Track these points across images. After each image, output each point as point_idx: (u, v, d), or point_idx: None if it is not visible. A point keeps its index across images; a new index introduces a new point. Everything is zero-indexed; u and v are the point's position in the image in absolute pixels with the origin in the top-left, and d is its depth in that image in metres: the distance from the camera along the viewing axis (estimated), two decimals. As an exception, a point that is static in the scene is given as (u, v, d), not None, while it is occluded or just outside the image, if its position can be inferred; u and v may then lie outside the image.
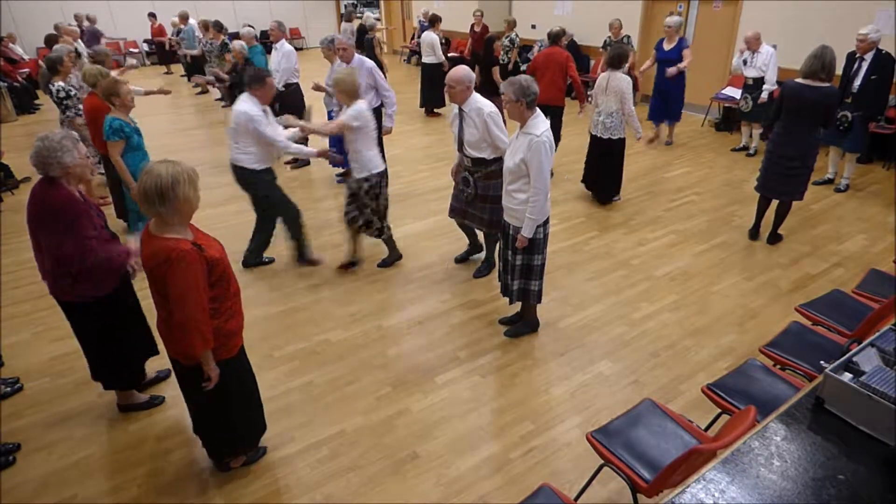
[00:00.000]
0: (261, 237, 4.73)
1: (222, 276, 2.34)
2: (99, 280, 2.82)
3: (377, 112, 5.46)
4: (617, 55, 5.36)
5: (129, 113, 4.36)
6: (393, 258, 4.80)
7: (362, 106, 4.09)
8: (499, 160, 3.98)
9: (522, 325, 3.87)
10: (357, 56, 5.27)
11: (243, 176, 4.31)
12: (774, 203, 4.99)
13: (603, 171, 5.81)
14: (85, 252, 2.68)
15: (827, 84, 4.35)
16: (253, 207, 4.59)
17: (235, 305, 2.47)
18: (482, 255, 4.72)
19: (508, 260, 3.59)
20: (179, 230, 2.25)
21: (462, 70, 3.85)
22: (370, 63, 5.32)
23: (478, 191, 4.10)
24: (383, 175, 4.35)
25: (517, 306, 3.91)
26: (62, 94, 5.60)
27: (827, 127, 4.60)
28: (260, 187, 4.36)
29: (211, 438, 2.74)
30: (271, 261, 4.89)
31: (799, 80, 4.45)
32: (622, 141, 5.59)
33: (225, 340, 2.42)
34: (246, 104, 4.08)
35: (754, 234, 5.15)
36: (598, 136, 5.63)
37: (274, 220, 4.64)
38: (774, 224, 5.02)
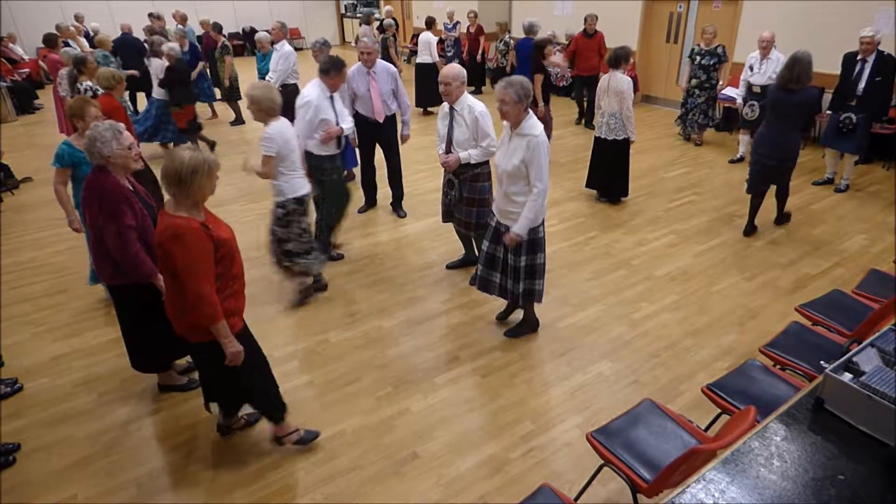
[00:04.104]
0: (326, 228, 4.70)
1: (226, 255, 2.44)
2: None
3: (392, 119, 5.31)
4: (616, 56, 5.35)
5: None
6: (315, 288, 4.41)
7: (273, 129, 3.65)
8: (484, 163, 3.98)
9: (522, 325, 3.87)
10: (380, 61, 5.10)
11: (309, 161, 4.38)
12: (770, 197, 5.10)
13: (610, 173, 5.81)
14: (124, 241, 2.82)
15: (809, 87, 4.51)
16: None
17: (237, 286, 2.54)
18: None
19: (509, 263, 3.53)
20: (191, 211, 2.36)
21: (455, 68, 3.87)
22: (394, 69, 5.18)
23: (463, 193, 4.08)
24: (301, 202, 3.92)
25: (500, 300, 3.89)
26: (90, 94, 5.65)
27: (805, 130, 4.73)
28: (324, 173, 4.42)
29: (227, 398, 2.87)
30: (340, 256, 4.92)
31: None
32: (626, 141, 5.58)
33: (225, 318, 2.46)
34: (312, 89, 4.25)
35: (750, 230, 5.19)
36: (604, 137, 5.62)
37: (329, 208, 4.59)
38: (778, 207, 5.13)
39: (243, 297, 2.62)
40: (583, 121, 8.99)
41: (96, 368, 3.64)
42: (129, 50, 9.28)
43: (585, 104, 8.89)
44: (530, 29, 7.52)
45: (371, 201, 5.85)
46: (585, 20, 8.39)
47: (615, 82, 5.33)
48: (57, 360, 3.73)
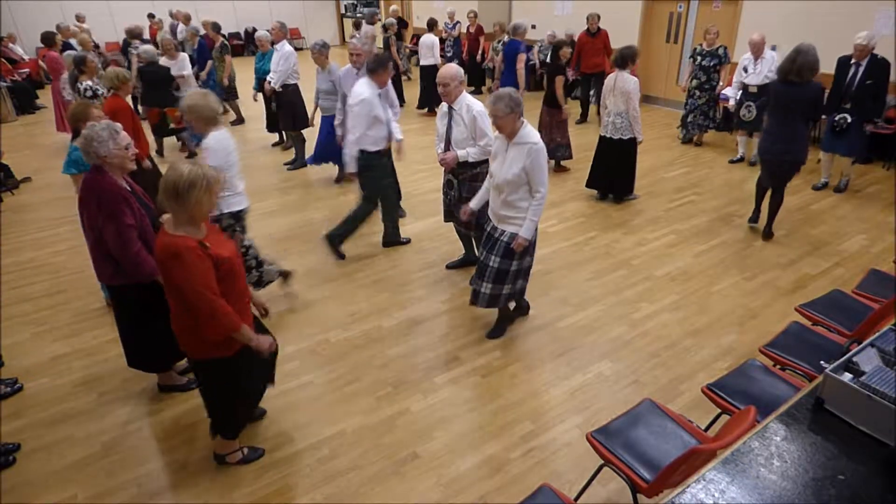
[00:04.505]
0: (355, 221, 4.81)
1: (228, 273, 2.40)
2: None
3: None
4: (623, 56, 5.37)
5: None
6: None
7: (213, 140, 3.46)
8: (483, 163, 3.99)
9: (501, 322, 3.86)
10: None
11: (361, 159, 4.47)
12: (767, 197, 5.08)
13: (616, 172, 5.82)
14: (125, 241, 2.82)
15: (813, 81, 4.45)
16: (361, 189, 4.73)
17: (240, 305, 2.51)
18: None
19: (492, 266, 3.47)
20: (190, 230, 2.32)
21: (452, 68, 3.87)
22: None
23: (462, 193, 4.09)
24: (238, 217, 3.79)
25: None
26: (89, 94, 5.68)
27: (815, 121, 4.67)
28: (373, 170, 4.54)
29: (215, 421, 2.85)
30: (342, 257, 4.97)
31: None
32: (633, 140, 5.60)
33: (225, 338, 2.45)
34: (364, 87, 4.32)
35: (755, 219, 5.24)
36: (609, 136, 5.64)
37: (373, 204, 4.74)
38: (768, 219, 5.09)
39: (250, 315, 2.62)
40: (586, 120, 9.06)
41: (96, 368, 3.64)
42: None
43: (592, 101, 9.04)
44: (515, 30, 7.49)
45: None
46: (587, 19, 8.47)
47: (621, 82, 5.35)
48: (57, 360, 3.73)
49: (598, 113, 9.01)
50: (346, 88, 5.13)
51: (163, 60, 7.39)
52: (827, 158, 6.13)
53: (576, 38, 8.81)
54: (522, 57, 7.23)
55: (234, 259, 2.44)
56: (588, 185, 6.08)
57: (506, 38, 9.89)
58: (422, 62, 9.48)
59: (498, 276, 3.49)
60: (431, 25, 9.58)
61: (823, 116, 5.94)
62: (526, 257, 3.52)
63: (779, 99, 4.61)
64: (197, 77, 8.26)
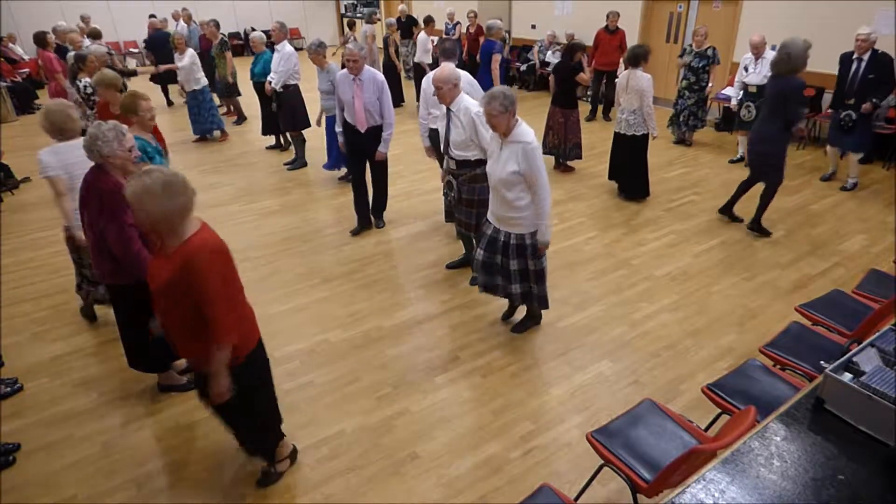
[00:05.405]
0: None
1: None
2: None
3: (378, 130, 4.98)
4: (635, 55, 5.43)
5: (148, 133, 3.77)
6: None
7: (49, 150, 3.39)
8: (484, 162, 3.98)
9: (528, 318, 3.89)
10: (367, 68, 4.87)
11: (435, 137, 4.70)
12: (761, 192, 5.10)
13: (630, 169, 5.89)
14: (126, 240, 2.82)
15: (790, 76, 4.49)
16: None
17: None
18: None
19: (514, 269, 3.50)
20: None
21: (446, 70, 3.84)
22: (381, 78, 4.92)
23: (462, 194, 4.08)
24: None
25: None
26: (89, 90, 5.69)
27: (792, 119, 4.63)
28: None
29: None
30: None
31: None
32: (645, 137, 5.67)
33: None
34: (463, 83, 4.41)
35: (723, 210, 5.41)
36: (622, 133, 5.74)
37: None
38: (756, 211, 5.12)
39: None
40: (594, 117, 9.17)
41: (96, 368, 3.64)
42: (160, 46, 9.83)
43: (602, 97, 9.15)
44: (489, 30, 7.39)
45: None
46: (608, 16, 8.68)
47: (634, 80, 5.42)
48: (57, 360, 3.73)
49: (605, 112, 9.15)
50: (343, 94, 4.91)
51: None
52: (833, 151, 6.21)
53: (577, 38, 8.83)
54: (497, 57, 7.23)
55: (151, 288, 2.28)
56: (610, 177, 6.20)
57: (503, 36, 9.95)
58: (416, 59, 9.54)
59: (522, 275, 3.53)
60: (426, 23, 9.60)
61: (830, 110, 6.01)
62: (541, 257, 3.52)
63: (766, 95, 4.79)
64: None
